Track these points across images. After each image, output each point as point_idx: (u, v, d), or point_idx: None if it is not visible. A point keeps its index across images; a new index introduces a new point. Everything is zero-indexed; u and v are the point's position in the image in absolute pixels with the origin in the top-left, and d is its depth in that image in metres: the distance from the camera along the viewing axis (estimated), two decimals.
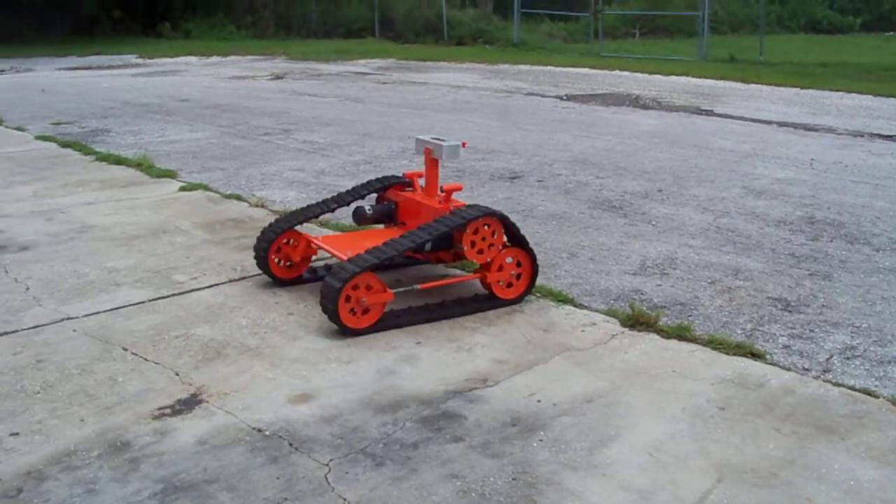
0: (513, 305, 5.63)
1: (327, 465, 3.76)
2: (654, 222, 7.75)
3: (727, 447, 3.98)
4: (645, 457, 3.86)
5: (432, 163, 5.91)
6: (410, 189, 6.12)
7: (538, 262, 5.79)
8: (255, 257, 5.79)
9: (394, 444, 3.93)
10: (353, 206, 6.07)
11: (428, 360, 4.82)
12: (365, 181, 6.30)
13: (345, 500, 3.50)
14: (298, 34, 34.16)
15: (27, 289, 5.83)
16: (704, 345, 5.10)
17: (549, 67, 23.43)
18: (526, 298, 5.71)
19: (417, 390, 4.45)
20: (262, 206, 7.91)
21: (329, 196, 6.34)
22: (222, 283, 5.87)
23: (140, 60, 26.14)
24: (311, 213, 6.00)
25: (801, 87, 18.65)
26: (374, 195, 6.21)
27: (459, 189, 5.83)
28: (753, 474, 3.79)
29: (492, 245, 5.47)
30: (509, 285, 5.62)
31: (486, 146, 11.40)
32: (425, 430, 4.05)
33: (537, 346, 5.00)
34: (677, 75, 21.20)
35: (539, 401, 4.34)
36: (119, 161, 10.32)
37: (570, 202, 8.39)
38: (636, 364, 4.81)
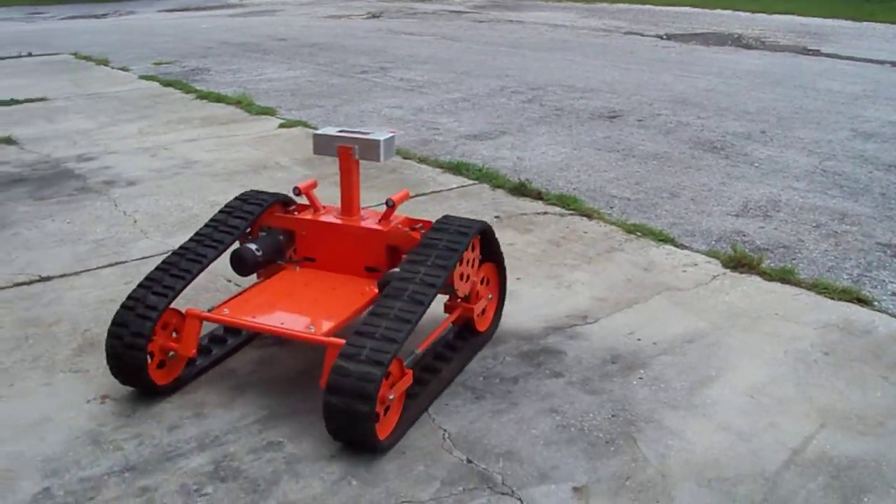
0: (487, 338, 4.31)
1: None
2: (756, 164, 7.56)
3: (831, 393, 3.90)
4: (746, 399, 3.81)
5: (351, 166, 4.17)
6: (294, 209, 4.40)
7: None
8: (121, 369, 3.71)
9: (494, 377, 3.96)
10: (226, 249, 4.13)
11: (528, 296, 4.81)
12: (225, 205, 4.34)
13: (445, 430, 3.55)
14: None
15: (135, 222, 6.00)
16: (808, 289, 4.98)
17: (649, 6, 22.92)
18: (626, 237, 5.66)
19: (518, 325, 4.46)
20: None
21: (195, 238, 4.09)
22: None
23: (236, 1, 26.39)
24: (171, 283, 3.80)
25: None
26: (244, 225, 4.21)
27: (406, 198, 4.31)
28: (858, 421, 3.71)
29: (472, 267, 4.04)
30: (482, 312, 4.25)
31: (585, 85, 11.24)
32: (525, 365, 4.07)
33: (637, 284, 4.96)
34: (781, 14, 20.54)
35: (639, 339, 4.31)
36: (219, 99, 10.49)
37: (670, 142, 8.23)
38: (738, 306, 4.73)
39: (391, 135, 4.15)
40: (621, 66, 12.90)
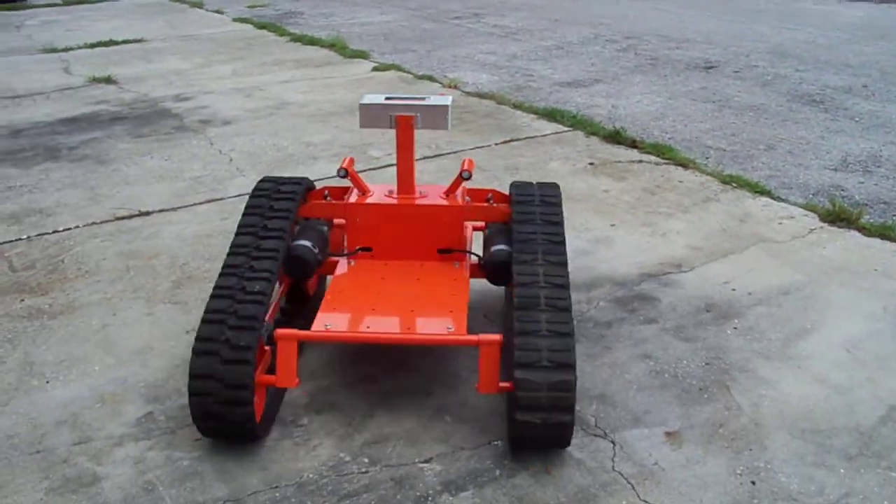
0: None
1: None
2: (857, 118, 7.37)
3: None
4: (842, 352, 3.78)
5: (411, 137, 3.68)
6: (328, 194, 3.88)
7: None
8: (219, 430, 3.07)
9: (588, 321, 3.99)
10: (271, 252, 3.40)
11: (622, 242, 4.81)
12: (249, 203, 3.62)
13: None
14: None
15: (230, 160, 6.14)
16: None
17: None
18: (721, 188, 5.60)
19: (612, 271, 4.47)
20: (455, 87, 7.96)
21: (243, 251, 3.34)
22: (417, 160, 5.95)
23: None
24: (253, 311, 3.05)
25: None
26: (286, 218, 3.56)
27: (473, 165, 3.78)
28: None
29: None
30: None
31: (681, 35, 11.04)
32: (619, 311, 4.09)
33: (732, 235, 4.91)
34: None
35: (734, 289, 4.28)
36: (313, 42, 10.58)
37: (767, 94, 8.07)
38: (835, 260, 4.66)
39: (451, 98, 3.71)
40: (718, 17, 12.62)
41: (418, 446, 3.14)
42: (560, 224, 3.47)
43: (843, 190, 5.72)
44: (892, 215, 5.33)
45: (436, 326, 3.21)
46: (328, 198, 3.83)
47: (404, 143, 3.65)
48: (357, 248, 3.71)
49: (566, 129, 6.83)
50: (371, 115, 3.60)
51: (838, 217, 5.14)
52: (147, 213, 5.24)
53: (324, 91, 8.01)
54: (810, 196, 5.59)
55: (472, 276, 3.66)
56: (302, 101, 7.64)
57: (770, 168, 6.11)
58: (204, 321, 2.99)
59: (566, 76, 8.63)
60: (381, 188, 3.81)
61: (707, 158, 6.28)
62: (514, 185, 3.75)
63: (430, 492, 2.92)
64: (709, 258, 4.64)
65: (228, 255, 3.30)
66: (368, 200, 3.71)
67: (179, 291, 4.27)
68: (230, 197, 5.45)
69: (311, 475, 3.00)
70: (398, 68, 8.80)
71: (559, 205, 3.60)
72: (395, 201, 3.71)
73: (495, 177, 5.70)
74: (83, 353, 3.75)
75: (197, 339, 2.96)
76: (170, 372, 3.59)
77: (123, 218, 5.18)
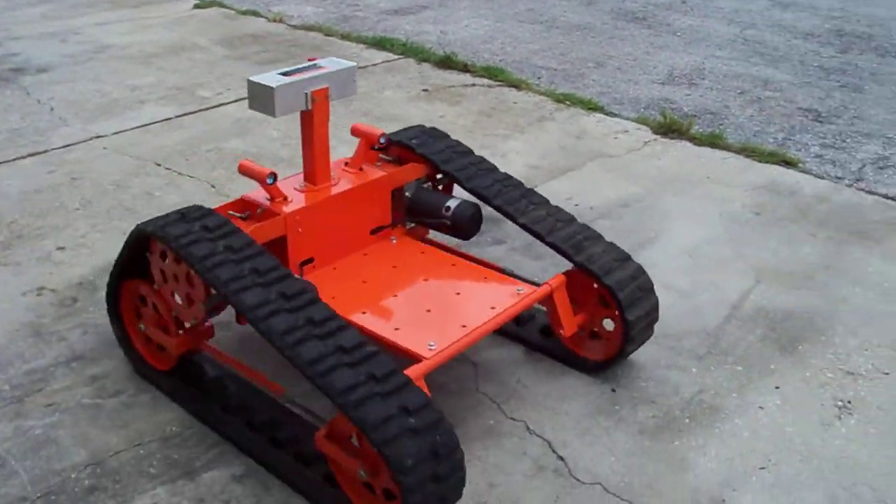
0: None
1: None
2: (679, 33, 7.57)
3: (764, 251, 4.00)
4: (684, 259, 3.89)
5: (327, 113, 3.18)
6: (248, 214, 3.04)
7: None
8: None
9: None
10: None
11: None
12: (183, 247, 2.68)
13: None
14: None
15: (52, 109, 5.73)
16: (737, 152, 5.07)
17: None
18: (556, 107, 5.65)
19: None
20: (281, 20, 7.70)
21: None
22: (242, 100, 5.76)
23: None
24: None
25: None
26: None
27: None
28: (791, 277, 3.83)
29: None
30: None
31: None
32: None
33: (571, 152, 4.97)
34: None
35: (576, 204, 4.34)
36: None
37: (592, 13, 8.17)
38: (670, 170, 4.79)
39: (350, 64, 3.23)
40: None
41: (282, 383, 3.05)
42: (495, 168, 3.41)
43: (671, 103, 5.87)
44: (719, 124, 5.52)
45: (509, 295, 2.96)
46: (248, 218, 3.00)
47: (321, 121, 3.11)
48: (300, 262, 3.07)
49: (397, 56, 6.72)
50: (287, 99, 2.96)
51: (670, 129, 5.28)
52: None
53: (144, 32, 7.58)
54: (641, 110, 5.71)
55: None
56: (122, 44, 7.21)
57: (601, 85, 6.20)
58: (358, 404, 2.25)
59: (392, 4, 8.48)
60: (292, 181, 3.17)
61: (539, 78, 6.32)
62: (405, 137, 3.41)
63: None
64: (549, 176, 4.68)
65: (261, 319, 2.45)
66: (297, 202, 3.04)
67: (10, 252, 3.94)
68: (55, 149, 5.08)
69: (174, 427, 2.86)
70: (220, 4, 8.43)
71: (468, 149, 3.50)
72: (330, 192, 3.12)
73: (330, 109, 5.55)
74: None
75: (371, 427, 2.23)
76: (9, 337, 3.32)
77: None
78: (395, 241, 3.34)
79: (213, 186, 4.54)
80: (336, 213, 3.13)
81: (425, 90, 5.93)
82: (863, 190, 4.73)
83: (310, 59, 3.18)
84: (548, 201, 3.28)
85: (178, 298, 2.80)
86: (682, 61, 6.78)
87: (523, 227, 3.14)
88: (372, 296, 2.96)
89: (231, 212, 2.99)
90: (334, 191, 3.13)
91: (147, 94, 5.90)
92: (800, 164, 4.97)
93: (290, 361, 2.35)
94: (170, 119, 5.44)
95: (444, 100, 5.77)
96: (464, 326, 2.75)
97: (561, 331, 3.02)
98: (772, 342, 3.37)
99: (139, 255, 2.89)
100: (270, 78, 2.96)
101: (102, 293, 3.55)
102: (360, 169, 3.29)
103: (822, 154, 5.17)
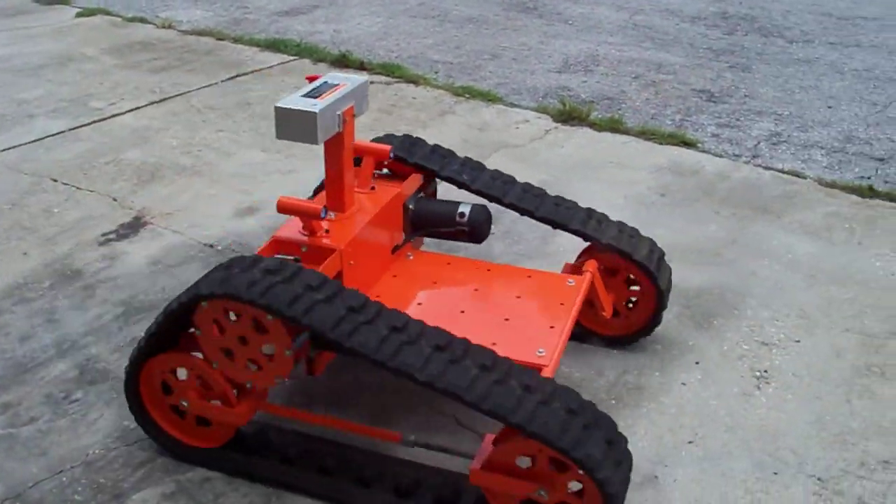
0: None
1: None
2: (571, 21, 7.65)
3: (672, 230, 4.07)
4: None
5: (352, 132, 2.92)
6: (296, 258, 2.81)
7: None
8: None
9: None
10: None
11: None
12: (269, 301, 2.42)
13: None
14: None
15: None
16: (637, 136, 5.15)
17: None
18: (455, 100, 5.65)
19: None
20: (170, 26, 7.51)
21: None
22: (144, 106, 5.59)
23: None
24: None
25: None
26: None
27: None
28: (700, 254, 3.90)
29: None
30: None
31: None
32: None
33: (475, 144, 4.97)
34: None
35: None
36: None
37: (483, 5, 8.19)
38: (574, 157, 4.83)
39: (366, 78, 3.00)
40: None
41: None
42: (483, 165, 3.38)
43: (569, 90, 5.93)
44: (617, 109, 5.59)
45: (565, 288, 2.97)
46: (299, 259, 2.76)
47: (350, 142, 2.86)
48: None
49: (292, 58, 6.62)
50: (327, 123, 2.68)
51: (570, 116, 5.33)
52: None
53: (27, 43, 7.29)
54: (540, 99, 5.75)
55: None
56: (5, 55, 6.92)
57: (498, 76, 6.22)
58: (531, 417, 2.22)
59: (283, 5, 8.35)
60: (310, 208, 2.71)
61: (436, 73, 6.31)
62: (402, 149, 3.26)
63: None
64: None
65: (390, 357, 2.31)
66: (340, 233, 2.80)
67: None
68: None
69: (97, 450, 2.75)
70: (105, 12, 8.16)
71: (451, 151, 3.43)
72: (365, 218, 2.90)
73: (227, 114, 5.44)
74: None
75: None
76: None
77: None
78: (411, 258, 3.20)
79: (114, 199, 4.39)
80: (372, 238, 2.96)
81: None
82: (760, 166, 4.86)
83: (308, 78, 2.94)
84: (545, 191, 3.26)
85: (244, 361, 2.47)
86: (575, 49, 6.85)
87: (542, 219, 3.14)
88: (441, 316, 2.71)
89: (277, 255, 2.74)
90: (366, 216, 2.91)
91: (36, 108, 5.68)
92: (698, 145, 5.07)
93: (436, 390, 2.25)
94: (63, 132, 5.24)
95: None
96: (552, 327, 2.74)
97: (603, 312, 3.07)
98: (687, 319, 3.43)
99: (178, 326, 2.56)
100: (301, 102, 2.67)
101: (7, 317, 3.42)
102: (372, 188, 3.11)
103: (719, 133, 5.28)
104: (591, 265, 3.07)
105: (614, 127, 5.22)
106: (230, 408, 2.57)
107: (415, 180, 3.25)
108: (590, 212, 3.21)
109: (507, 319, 2.80)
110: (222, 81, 6.08)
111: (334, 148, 2.81)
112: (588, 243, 3.15)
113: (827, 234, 4.15)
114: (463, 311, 2.84)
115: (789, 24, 7.71)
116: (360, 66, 6.31)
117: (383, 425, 2.77)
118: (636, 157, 4.86)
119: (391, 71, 6.22)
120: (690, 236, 4.04)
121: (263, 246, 2.79)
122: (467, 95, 5.74)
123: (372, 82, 6.01)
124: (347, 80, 2.88)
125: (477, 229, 3.16)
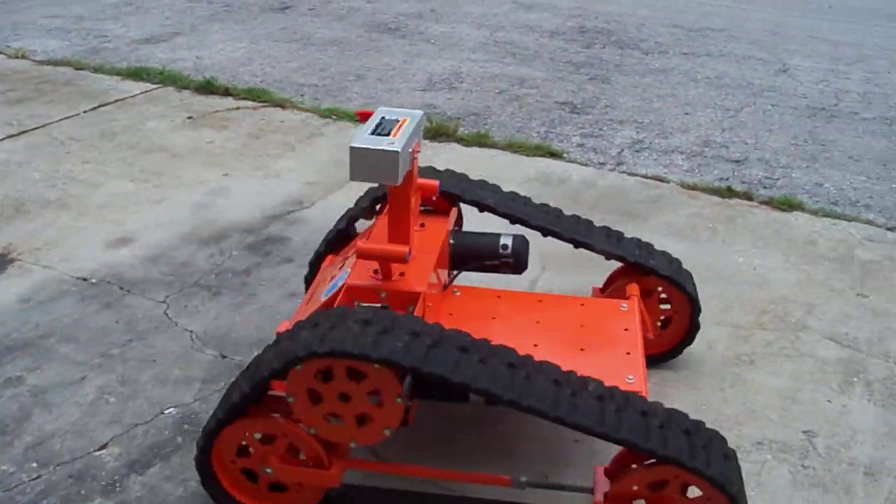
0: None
1: (164, 301, 3.65)
2: (433, 41, 7.74)
3: (544, 239, 4.11)
4: None
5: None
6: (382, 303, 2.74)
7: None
8: None
9: (226, 272, 3.85)
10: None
11: (239, 190, 4.68)
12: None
13: (191, 331, 3.42)
14: None
15: None
16: (505, 149, 5.25)
17: None
18: (323, 122, 5.65)
19: (236, 220, 4.35)
20: (24, 56, 7.25)
21: None
22: (1, 140, 5.38)
23: None
24: None
25: None
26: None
27: None
28: (573, 260, 3.95)
29: None
30: None
31: None
32: (254, 256, 3.99)
33: (344, 165, 4.84)
34: None
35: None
36: None
37: (345, 27, 8.20)
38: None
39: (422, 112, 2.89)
40: None
41: (88, 435, 2.89)
42: (499, 187, 3.38)
43: (435, 108, 5.99)
44: (483, 124, 5.69)
45: (622, 313, 2.98)
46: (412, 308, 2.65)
47: (416, 178, 2.81)
48: None
49: (155, 86, 6.49)
50: (404, 163, 2.57)
51: (438, 132, 5.39)
52: None
53: None
54: None
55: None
56: None
57: (364, 96, 6.24)
58: (662, 443, 2.26)
59: (142, 33, 8.18)
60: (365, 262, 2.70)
61: (302, 95, 6.28)
62: (450, 184, 3.21)
63: (116, 476, 2.72)
64: (327, 191, 4.67)
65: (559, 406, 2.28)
66: (414, 276, 2.72)
67: None
68: None
69: None
70: None
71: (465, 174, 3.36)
72: (431, 259, 2.83)
73: (92, 145, 5.29)
74: None
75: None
76: None
77: None
78: (458, 293, 3.06)
79: None
80: (435, 278, 2.85)
81: (190, 118, 5.76)
82: (625, 173, 5.02)
83: (359, 113, 2.84)
84: (561, 210, 3.31)
85: (351, 419, 2.34)
86: (439, 67, 6.93)
87: (571, 241, 3.16)
88: (518, 351, 2.49)
89: (358, 303, 2.63)
90: (432, 255, 2.83)
91: None
92: (565, 155, 5.20)
93: (566, 424, 2.24)
94: None
95: (210, 125, 5.62)
96: (629, 354, 2.73)
97: (648, 335, 3.00)
98: None
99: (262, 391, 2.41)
100: (376, 140, 2.54)
101: None
102: (422, 225, 3.02)
103: (584, 143, 5.42)
104: (633, 289, 3.10)
105: (482, 141, 5.31)
106: (323, 469, 2.43)
107: (454, 215, 3.19)
108: (608, 230, 3.29)
109: (582, 349, 2.78)
110: (84, 112, 5.90)
111: (403, 187, 2.66)
112: (620, 265, 3.26)
113: (692, 234, 4.31)
114: (536, 345, 2.75)
115: (644, 37, 7.98)
116: (226, 92, 6.24)
117: (484, 468, 2.68)
118: (505, 169, 4.94)
119: (257, 96, 6.16)
120: (563, 245, 4.11)
121: (331, 296, 2.67)
122: (334, 117, 5.74)
123: (238, 108, 5.96)
124: (405, 114, 2.76)
125: (520, 259, 3.10)
